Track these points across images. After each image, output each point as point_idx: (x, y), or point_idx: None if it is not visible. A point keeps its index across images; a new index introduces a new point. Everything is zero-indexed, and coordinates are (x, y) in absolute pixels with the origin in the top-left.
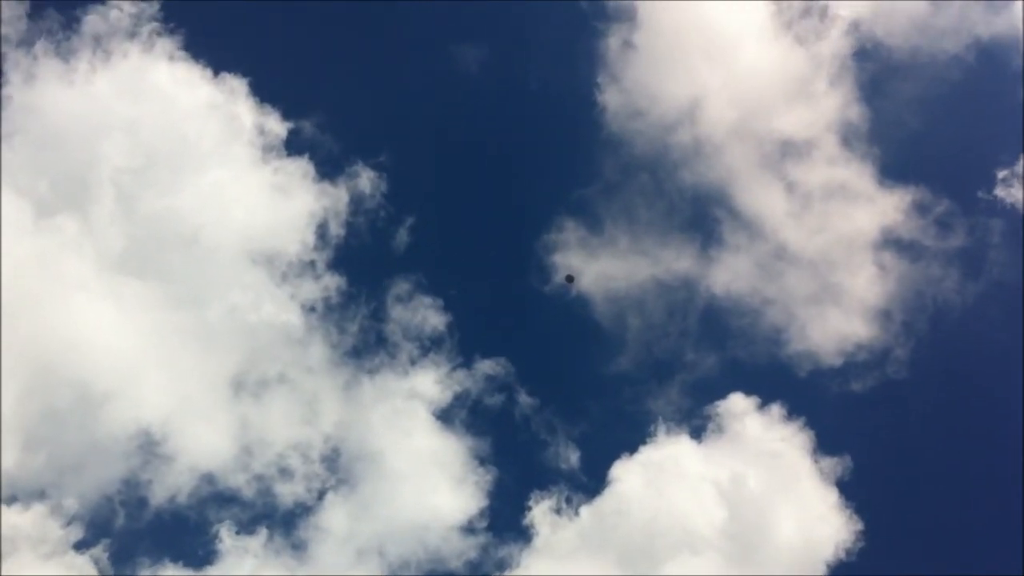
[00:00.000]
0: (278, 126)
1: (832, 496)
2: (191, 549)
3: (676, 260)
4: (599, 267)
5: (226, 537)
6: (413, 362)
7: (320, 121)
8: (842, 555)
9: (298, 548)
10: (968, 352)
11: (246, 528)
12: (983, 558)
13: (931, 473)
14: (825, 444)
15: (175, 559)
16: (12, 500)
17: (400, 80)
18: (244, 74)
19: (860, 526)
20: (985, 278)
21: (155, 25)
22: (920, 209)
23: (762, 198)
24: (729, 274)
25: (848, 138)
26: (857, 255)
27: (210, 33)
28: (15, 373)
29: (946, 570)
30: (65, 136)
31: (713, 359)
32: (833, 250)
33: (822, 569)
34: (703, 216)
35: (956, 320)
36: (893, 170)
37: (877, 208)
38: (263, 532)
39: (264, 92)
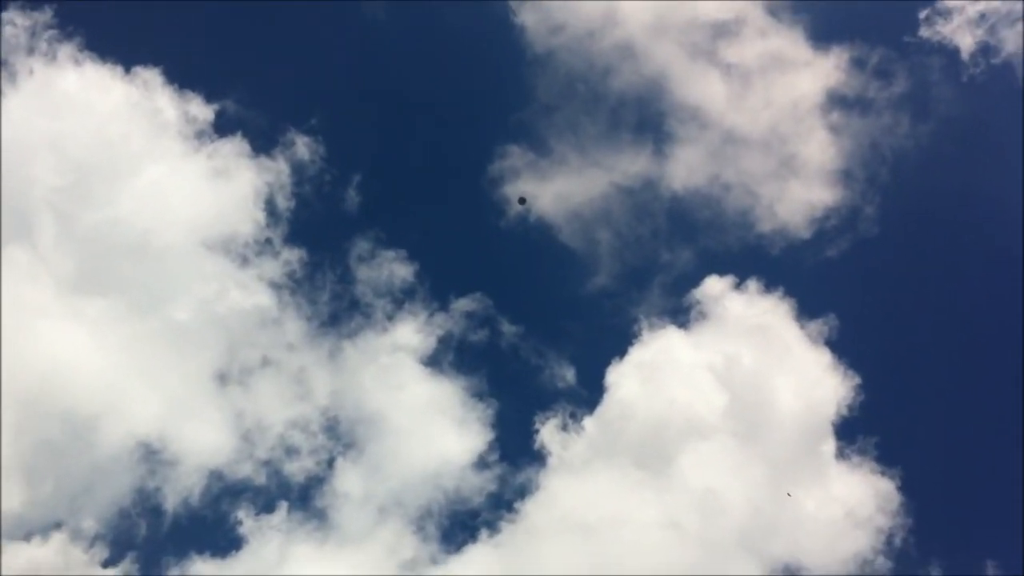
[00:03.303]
0: (203, 110)
1: (824, 357)
2: (215, 541)
3: (630, 164)
4: (554, 188)
5: (246, 520)
6: (390, 317)
7: (243, 97)
8: (844, 412)
9: (320, 518)
10: (932, 193)
11: (265, 508)
12: (978, 380)
13: (915, 316)
14: (807, 308)
15: (202, 552)
16: (30, 535)
17: (314, 39)
18: (155, 64)
19: (857, 380)
20: (933, 117)
21: (53, 32)
22: (857, 64)
23: (702, 86)
24: (685, 168)
25: (774, 8)
26: (806, 122)
27: (111, 28)
28: (3, 413)
29: (949, 402)
30: None
31: (687, 254)
32: (782, 122)
33: (828, 429)
34: (647, 116)
35: (914, 164)
36: (823, 31)
37: (816, 71)
38: (283, 508)
39: (180, 78)
